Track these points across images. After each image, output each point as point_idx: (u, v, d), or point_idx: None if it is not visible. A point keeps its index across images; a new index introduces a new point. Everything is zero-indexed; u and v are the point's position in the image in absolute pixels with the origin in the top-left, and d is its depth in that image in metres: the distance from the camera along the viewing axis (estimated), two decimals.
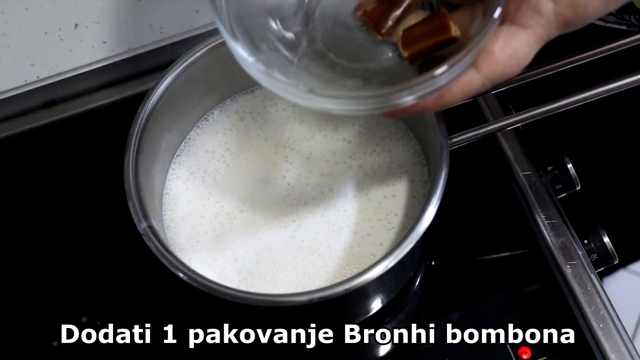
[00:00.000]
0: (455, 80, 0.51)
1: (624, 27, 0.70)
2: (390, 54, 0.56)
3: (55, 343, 0.68)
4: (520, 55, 0.51)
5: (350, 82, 0.55)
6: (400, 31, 0.54)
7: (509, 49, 0.51)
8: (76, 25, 0.78)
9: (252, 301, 0.56)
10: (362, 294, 0.62)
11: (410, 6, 0.54)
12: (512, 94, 0.70)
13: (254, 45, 0.53)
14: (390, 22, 0.54)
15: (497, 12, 0.49)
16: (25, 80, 0.77)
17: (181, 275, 0.57)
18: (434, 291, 0.69)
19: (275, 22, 0.56)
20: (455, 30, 0.51)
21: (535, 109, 0.62)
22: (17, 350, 0.68)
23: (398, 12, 0.54)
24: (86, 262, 0.71)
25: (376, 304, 0.66)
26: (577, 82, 0.63)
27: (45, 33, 0.78)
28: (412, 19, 0.54)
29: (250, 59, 0.50)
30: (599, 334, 0.64)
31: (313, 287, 0.58)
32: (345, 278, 0.56)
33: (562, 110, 0.62)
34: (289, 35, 0.56)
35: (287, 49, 0.55)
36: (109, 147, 0.67)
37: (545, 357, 0.64)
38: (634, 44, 0.62)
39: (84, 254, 0.72)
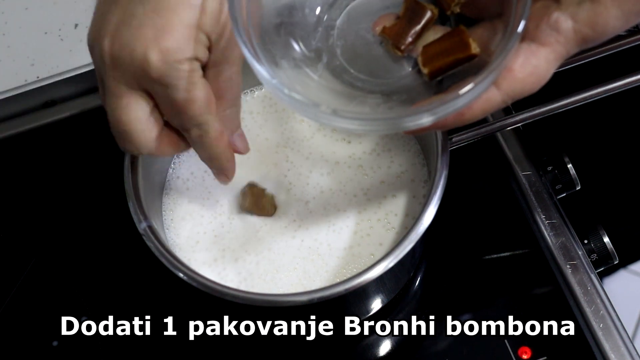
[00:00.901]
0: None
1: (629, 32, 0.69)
2: (409, 70, 0.56)
3: (55, 343, 0.68)
4: (539, 72, 0.51)
5: (370, 98, 0.55)
6: (419, 47, 0.54)
7: (528, 67, 0.50)
8: (76, 25, 0.78)
9: (252, 301, 0.56)
10: (362, 293, 0.62)
11: (429, 22, 0.54)
12: None
13: (275, 63, 0.53)
14: (409, 39, 0.54)
15: (521, 26, 0.49)
16: (25, 80, 0.77)
17: (181, 275, 0.57)
18: (434, 291, 0.69)
19: (296, 39, 0.56)
20: (475, 48, 0.51)
21: (535, 109, 0.62)
22: (17, 350, 0.68)
23: (417, 28, 0.54)
24: (86, 262, 0.71)
25: (376, 304, 0.66)
26: (577, 82, 0.63)
27: (45, 33, 0.78)
28: (431, 35, 0.54)
29: (274, 81, 0.50)
30: (599, 334, 0.64)
31: (313, 287, 0.58)
32: (345, 278, 0.56)
33: (562, 110, 0.62)
34: (310, 51, 0.56)
35: (307, 66, 0.55)
36: (109, 147, 0.67)
37: (545, 357, 0.64)
38: (634, 44, 0.62)
39: (84, 254, 0.72)
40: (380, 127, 0.51)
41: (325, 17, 0.57)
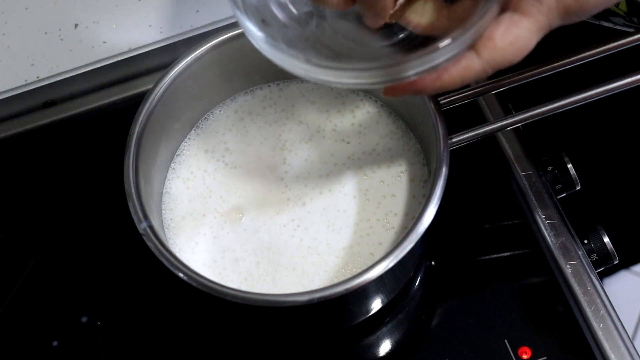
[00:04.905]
0: (455, 63, 0.51)
1: (632, 30, 0.69)
2: (396, 39, 0.56)
3: (55, 343, 0.68)
4: (521, 42, 0.51)
5: (354, 62, 0.56)
6: (407, 15, 0.55)
7: (509, 36, 0.51)
8: (76, 25, 0.78)
9: (252, 301, 0.56)
10: (362, 293, 0.62)
11: None
12: (512, 94, 0.70)
13: (262, 22, 0.54)
14: (397, 6, 0.55)
15: None
16: (25, 80, 0.77)
17: (181, 275, 0.57)
18: (434, 291, 0.69)
19: (287, 1, 0.57)
20: None
21: (535, 109, 0.62)
22: (17, 350, 0.68)
23: None
24: (86, 262, 0.71)
25: (376, 304, 0.66)
26: (577, 82, 0.63)
27: (45, 33, 0.78)
28: (420, 4, 0.55)
29: (254, 29, 0.52)
30: (599, 334, 0.64)
31: (312, 287, 0.58)
32: (344, 278, 0.56)
33: (562, 110, 0.62)
34: (298, 14, 0.57)
35: (295, 28, 0.56)
36: (109, 147, 0.67)
37: (545, 357, 0.64)
38: (634, 44, 0.62)
39: (84, 254, 0.72)
40: (356, 80, 0.52)
41: None
